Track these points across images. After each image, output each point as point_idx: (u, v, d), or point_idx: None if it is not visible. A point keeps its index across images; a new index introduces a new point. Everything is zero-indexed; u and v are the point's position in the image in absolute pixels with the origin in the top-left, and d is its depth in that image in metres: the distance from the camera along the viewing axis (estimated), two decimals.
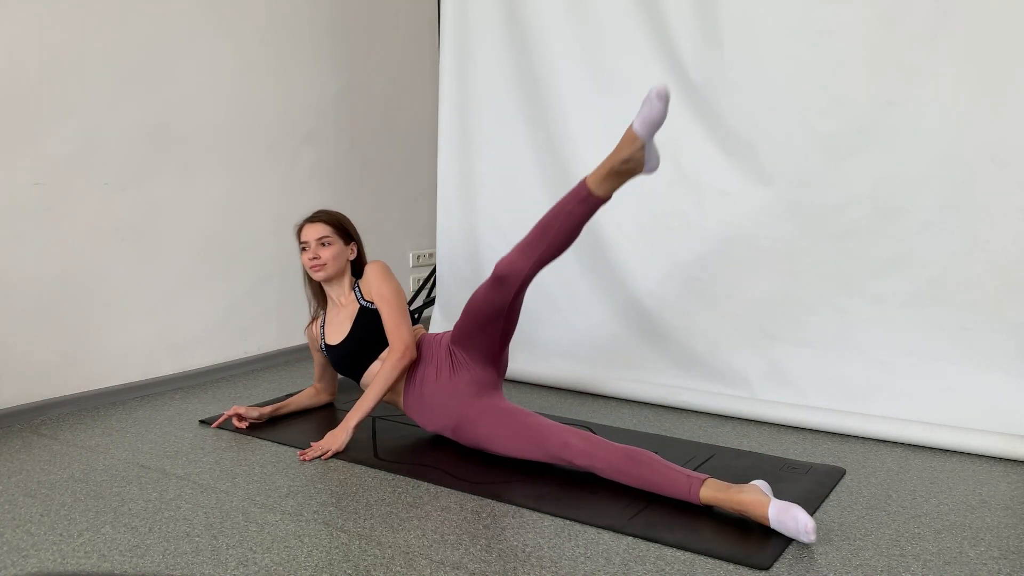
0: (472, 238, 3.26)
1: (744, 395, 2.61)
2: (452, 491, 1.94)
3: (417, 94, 3.93)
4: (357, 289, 2.39)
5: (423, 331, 2.38)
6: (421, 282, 3.94)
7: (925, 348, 2.36)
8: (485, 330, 2.12)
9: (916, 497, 1.88)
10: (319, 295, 2.49)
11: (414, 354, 2.23)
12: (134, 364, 2.87)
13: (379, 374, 2.21)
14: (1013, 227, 2.22)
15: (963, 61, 2.23)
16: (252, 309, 3.25)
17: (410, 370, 2.26)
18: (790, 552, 1.59)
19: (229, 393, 2.89)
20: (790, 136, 2.50)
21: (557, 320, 3.02)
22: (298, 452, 2.20)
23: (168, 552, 1.63)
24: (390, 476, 2.04)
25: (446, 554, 1.61)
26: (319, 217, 2.41)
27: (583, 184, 1.93)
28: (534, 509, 1.82)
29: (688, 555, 1.59)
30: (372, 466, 2.10)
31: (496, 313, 2.08)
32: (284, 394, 2.83)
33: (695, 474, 1.77)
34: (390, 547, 1.64)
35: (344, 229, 2.42)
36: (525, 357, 3.05)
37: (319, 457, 2.16)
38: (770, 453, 2.19)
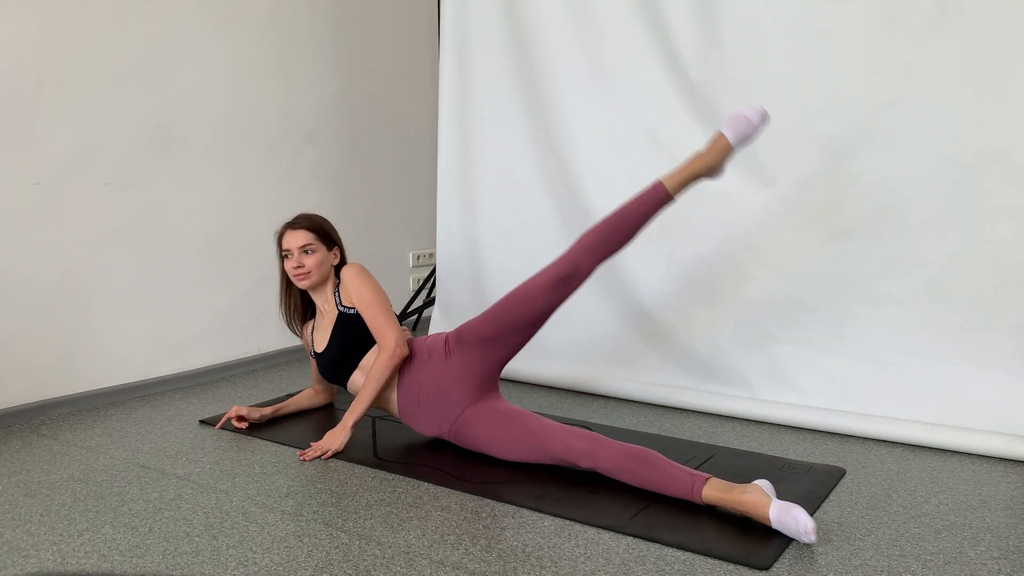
0: (472, 238, 3.26)
1: (744, 395, 2.61)
2: (452, 491, 1.94)
3: (417, 94, 3.93)
4: (337, 295, 2.34)
5: (409, 334, 2.36)
6: (421, 282, 3.94)
7: (925, 348, 2.36)
8: (521, 332, 2.12)
9: (916, 497, 1.88)
10: (305, 301, 2.45)
11: (406, 350, 2.20)
12: (134, 364, 2.87)
13: (371, 373, 2.19)
14: (1013, 227, 2.22)
15: (963, 61, 2.23)
16: (252, 309, 3.25)
17: (402, 373, 2.23)
18: (790, 552, 1.59)
19: (229, 393, 2.89)
20: (790, 136, 2.50)
21: (557, 320, 3.01)
22: (298, 452, 2.20)
23: (168, 552, 1.63)
24: (390, 476, 2.04)
25: (446, 554, 1.61)
26: (300, 223, 2.32)
27: (661, 186, 2.05)
28: (534, 509, 1.82)
29: (688, 555, 1.59)
30: (372, 466, 2.10)
31: (542, 315, 2.09)
32: (284, 394, 2.83)
33: (698, 473, 1.77)
34: (390, 547, 1.64)
35: (327, 234, 2.35)
36: (525, 357, 3.05)
37: (319, 457, 2.16)
38: (770, 453, 2.19)
